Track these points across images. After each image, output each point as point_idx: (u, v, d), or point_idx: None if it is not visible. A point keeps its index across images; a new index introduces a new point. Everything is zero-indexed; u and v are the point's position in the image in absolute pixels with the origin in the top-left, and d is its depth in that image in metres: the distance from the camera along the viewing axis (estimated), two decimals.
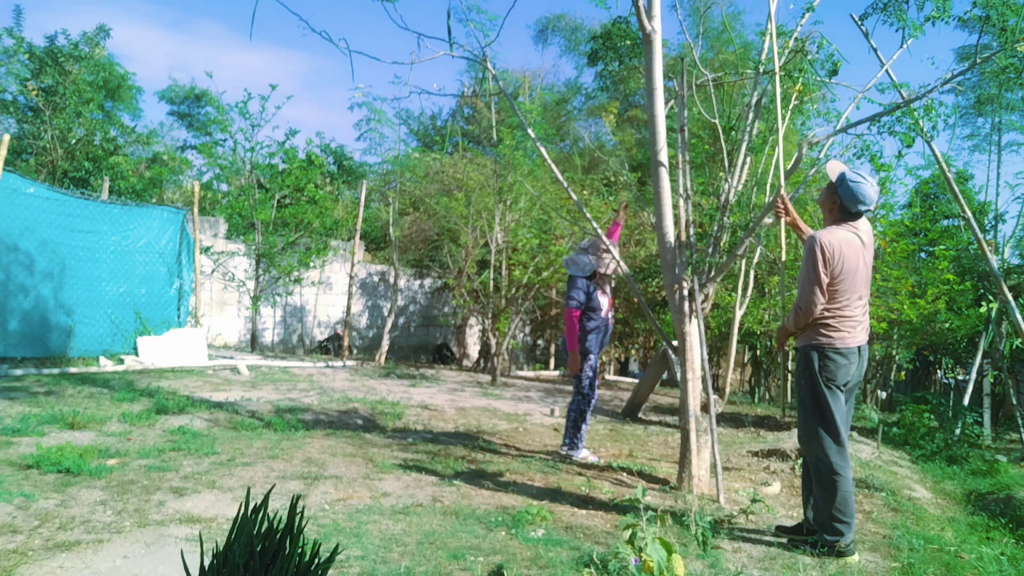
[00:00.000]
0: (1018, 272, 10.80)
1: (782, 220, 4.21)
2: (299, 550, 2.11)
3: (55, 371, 7.55)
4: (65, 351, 8.36)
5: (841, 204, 3.66)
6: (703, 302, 4.78)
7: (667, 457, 5.83)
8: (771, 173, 6.07)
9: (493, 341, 11.32)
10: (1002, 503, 5.04)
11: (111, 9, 51.81)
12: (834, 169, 3.77)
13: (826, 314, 3.59)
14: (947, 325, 8.81)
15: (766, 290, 9.92)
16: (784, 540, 3.79)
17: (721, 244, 5.22)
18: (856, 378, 3.70)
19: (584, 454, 5.58)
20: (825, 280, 3.54)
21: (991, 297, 8.61)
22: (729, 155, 5.37)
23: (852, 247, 3.61)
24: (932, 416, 7.72)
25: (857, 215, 3.67)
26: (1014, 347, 9.24)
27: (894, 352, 10.02)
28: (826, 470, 3.60)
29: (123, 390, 6.60)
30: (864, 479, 5.30)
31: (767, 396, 12.85)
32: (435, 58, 5.11)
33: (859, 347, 3.66)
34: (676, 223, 4.75)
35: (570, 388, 10.71)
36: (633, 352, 15.84)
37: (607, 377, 13.36)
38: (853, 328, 3.63)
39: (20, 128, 13.57)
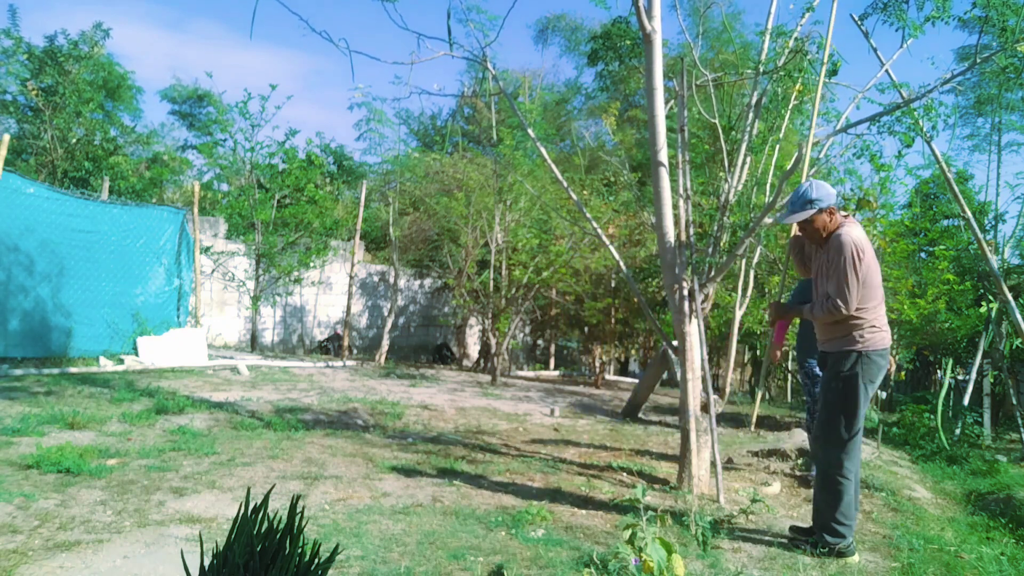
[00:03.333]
0: (1018, 272, 10.79)
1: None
2: (299, 550, 2.11)
3: (55, 371, 7.55)
4: (65, 351, 8.36)
5: (834, 209, 3.65)
6: (703, 302, 4.79)
7: (667, 457, 5.83)
8: (771, 173, 6.07)
9: (493, 341, 11.32)
10: (1002, 503, 5.04)
11: (110, 9, 51.79)
12: (797, 217, 3.66)
13: (866, 316, 3.58)
14: (947, 325, 8.81)
15: (766, 290, 9.92)
16: (784, 540, 3.79)
17: (721, 244, 5.22)
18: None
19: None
20: (860, 277, 3.54)
21: (991, 297, 8.60)
22: (729, 155, 5.37)
23: (868, 242, 3.65)
24: (932, 416, 7.72)
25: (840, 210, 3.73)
26: (1014, 347, 9.24)
27: (894, 352, 10.01)
28: (835, 473, 3.60)
29: (123, 390, 6.60)
30: (864, 479, 5.29)
31: (767, 396, 12.84)
32: (435, 58, 5.11)
33: (889, 346, 3.72)
34: (676, 223, 4.75)
35: (570, 388, 10.74)
36: (633, 352, 15.84)
37: (607, 377, 13.37)
38: (886, 327, 3.68)
39: (20, 128, 13.57)
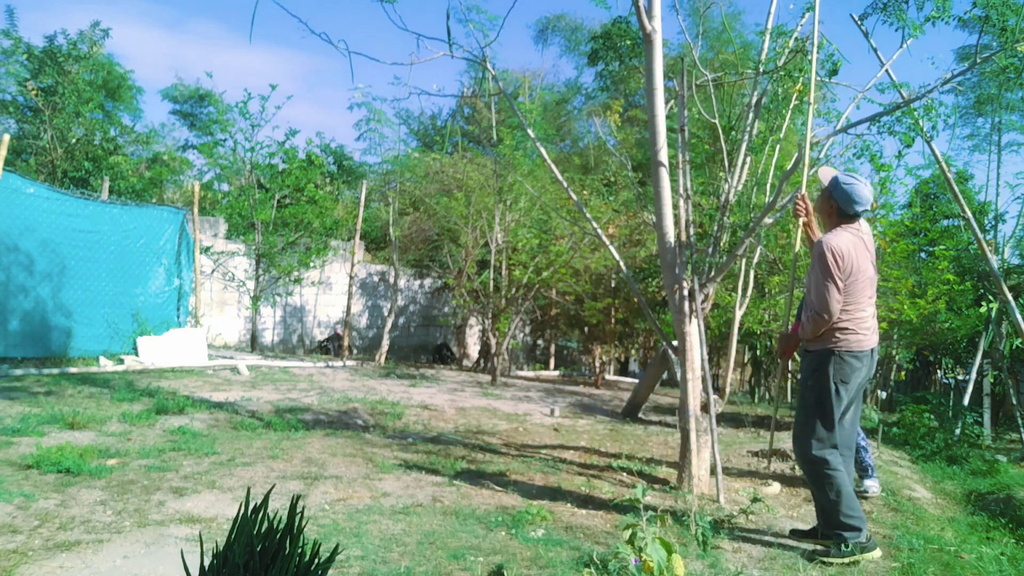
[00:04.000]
0: (1018, 272, 10.78)
1: (800, 220, 4.09)
2: (299, 550, 2.11)
3: (55, 371, 7.55)
4: (65, 351, 8.36)
5: (839, 208, 3.65)
6: (703, 302, 4.78)
7: (667, 457, 5.83)
8: (771, 173, 6.07)
9: (493, 341, 11.32)
10: (1002, 503, 5.04)
11: (109, 8, 51.80)
12: (826, 174, 3.78)
13: (843, 317, 3.57)
14: (947, 325, 8.80)
15: (766, 290, 9.91)
16: (783, 540, 3.79)
17: (721, 244, 5.22)
18: (865, 381, 3.69)
19: (868, 483, 5.14)
20: (840, 284, 3.51)
21: (991, 297, 8.60)
22: (729, 155, 5.37)
23: (858, 249, 3.60)
24: (932, 416, 7.72)
25: (855, 216, 3.67)
26: (1014, 347, 9.24)
27: (894, 352, 10.03)
28: (822, 468, 3.57)
29: (123, 390, 6.60)
30: None
31: (767, 396, 12.84)
32: (435, 59, 5.11)
33: (871, 349, 3.66)
34: (676, 223, 4.75)
35: (570, 388, 10.75)
36: (633, 352, 15.85)
37: (607, 377, 13.36)
38: (867, 331, 3.62)
39: (20, 128, 13.57)
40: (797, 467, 5.52)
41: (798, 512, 4.45)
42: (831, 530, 3.61)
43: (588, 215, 5.31)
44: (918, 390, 13.53)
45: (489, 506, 4.07)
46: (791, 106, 5.42)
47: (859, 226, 3.68)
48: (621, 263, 5.27)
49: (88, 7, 52.09)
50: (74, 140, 13.62)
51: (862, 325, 3.60)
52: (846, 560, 3.47)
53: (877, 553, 3.53)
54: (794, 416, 3.79)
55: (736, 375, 13.58)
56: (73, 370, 7.74)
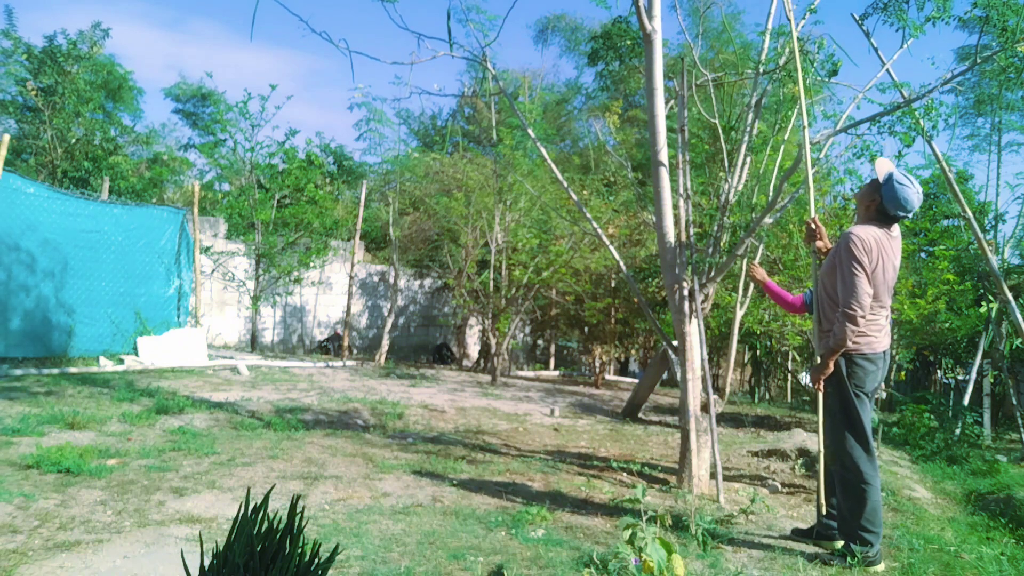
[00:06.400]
0: (1018, 272, 10.78)
1: (815, 244, 3.92)
2: (299, 550, 2.11)
3: (55, 371, 7.55)
4: (65, 351, 8.36)
5: (880, 204, 3.50)
6: (703, 302, 4.78)
7: (667, 457, 5.83)
8: (774, 174, 6.07)
9: (493, 341, 11.32)
10: (1002, 503, 5.04)
11: (108, 8, 51.84)
12: (883, 167, 3.60)
13: None
14: (947, 325, 8.80)
15: None
16: (783, 540, 3.78)
17: (721, 244, 5.21)
18: (880, 382, 3.62)
19: None
20: (869, 275, 3.37)
21: (991, 297, 8.61)
22: (729, 155, 5.37)
23: (883, 247, 3.47)
24: (932, 416, 7.72)
25: (893, 219, 3.53)
26: (1014, 347, 9.24)
27: (894, 352, 10.03)
28: (855, 480, 3.47)
29: (123, 390, 6.60)
30: None
31: (767, 396, 12.85)
32: (435, 58, 5.12)
33: (884, 352, 3.57)
34: (676, 223, 4.75)
35: (570, 388, 10.75)
36: (633, 352, 15.84)
37: (607, 377, 13.37)
38: (878, 332, 3.53)
39: (20, 128, 13.57)
40: (797, 467, 5.53)
41: (798, 512, 4.45)
42: (844, 537, 3.54)
43: (588, 215, 5.32)
44: (918, 390, 13.53)
45: (489, 506, 4.07)
46: (795, 108, 5.42)
47: (891, 230, 3.55)
48: (621, 263, 5.28)
49: (88, 7, 52.11)
50: (74, 140, 13.62)
51: (873, 327, 3.51)
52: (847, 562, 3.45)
53: (880, 567, 3.45)
54: (823, 423, 3.66)
55: (736, 375, 13.59)
56: (73, 370, 7.74)
